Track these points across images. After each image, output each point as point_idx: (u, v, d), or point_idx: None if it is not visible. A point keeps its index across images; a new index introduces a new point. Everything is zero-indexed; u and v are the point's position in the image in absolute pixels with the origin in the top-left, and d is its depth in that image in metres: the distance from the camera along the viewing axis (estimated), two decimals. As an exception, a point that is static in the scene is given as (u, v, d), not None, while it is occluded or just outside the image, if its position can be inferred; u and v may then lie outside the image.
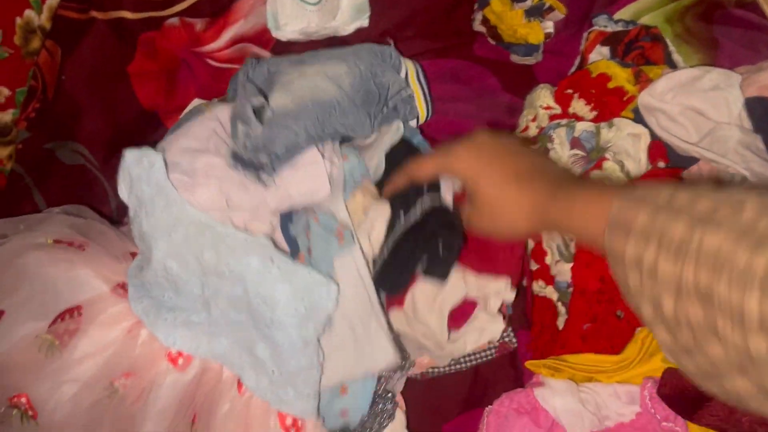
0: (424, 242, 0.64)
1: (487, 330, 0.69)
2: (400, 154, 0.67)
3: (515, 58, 0.88)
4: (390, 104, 0.70)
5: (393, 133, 0.68)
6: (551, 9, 0.85)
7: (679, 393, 0.64)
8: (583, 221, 0.50)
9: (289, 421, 0.57)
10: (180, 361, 0.59)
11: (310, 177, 0.61)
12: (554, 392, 0.69)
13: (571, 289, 0.67)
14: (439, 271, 0.65)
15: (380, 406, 0.66)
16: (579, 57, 0.88)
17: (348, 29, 0.85)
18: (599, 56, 0.85)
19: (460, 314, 0.67)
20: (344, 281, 0.58)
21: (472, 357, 0.75)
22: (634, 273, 0.44)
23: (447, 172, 0.60)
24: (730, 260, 0.39)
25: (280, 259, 0.56)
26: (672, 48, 0.84)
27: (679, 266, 0.41)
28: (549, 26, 0.86)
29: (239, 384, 0.60)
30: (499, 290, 0.68)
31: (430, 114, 0.78)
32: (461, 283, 0.66)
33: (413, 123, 0.75)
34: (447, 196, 0.66)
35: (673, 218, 0.42)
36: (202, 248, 0.56)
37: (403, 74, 0.76)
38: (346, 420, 0.61)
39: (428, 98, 0.77)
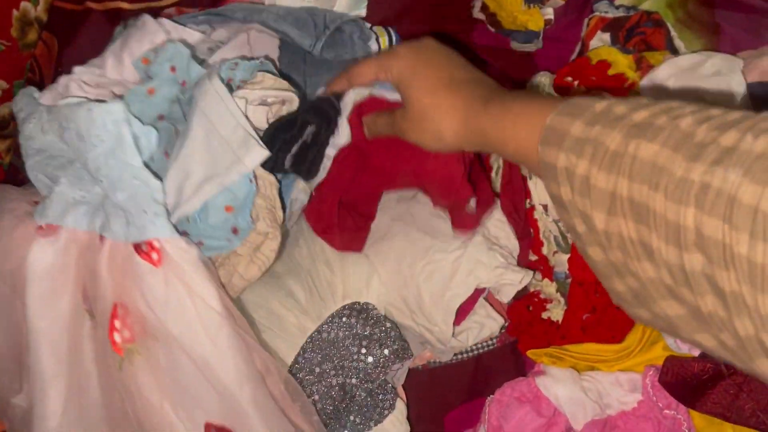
0: (296, 130, 0.61)
1: (486, 325, 0.69)
2: None
3: (515, 45, 0.87)
4: (331, 27, 0.71)
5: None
6: (551, -5, 0.84)
7: (680, 381, 0.64)
8: (514, 132, 0.46)
9: (145, 248, 0.56)
10: (45, 229, 0.60)
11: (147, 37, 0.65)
12: (556, 381, 0.69)
13: (569, 280, 0.67)
14: (305, 168, 0.62)
15: (380, 396, 0.66)
16: (580, 43, 0.87)
17: (346, 18, 0.84)
18: (600, 42, 0.84)
19: (462, 310, 0.67)
20: (203, 103, 0.58)
21: (474, 347, 0.75)
22: (566, 187, 0.42)
23: (384, 73, 0.57)
24: (667, 171, 0.36)
25: (70, 109, 0.57)
26: (674, 33, 0.83)
27: (612, 178, 0.38)
28: (549, 12, 0.85)
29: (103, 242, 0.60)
30: (514, 280, 0.66)
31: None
32: (472, 278, 0.65)
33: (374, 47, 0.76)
34: (347, 99, 0.63)
35: (608, 128, 0.39)
36: (47, 127, 0.60)
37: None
38: (238, 236, 0.60)
39: (393, 35, 0.77)
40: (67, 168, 0.61)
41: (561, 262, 0.67)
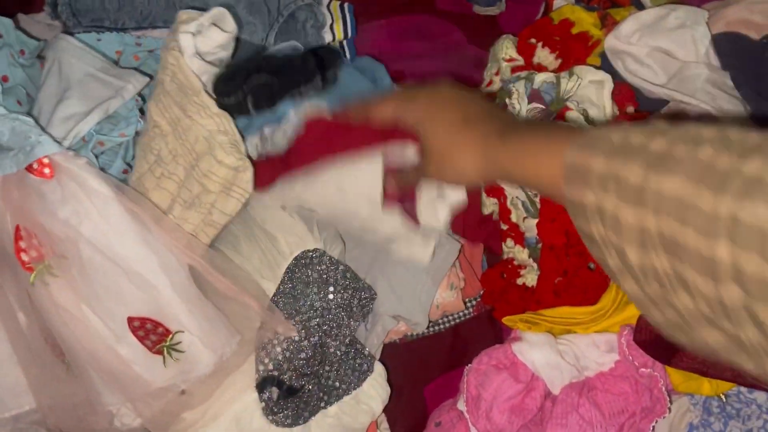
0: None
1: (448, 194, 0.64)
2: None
3: (478, 9, 0.85)
4: (284, 13, 0.73)
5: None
6: (512, -45, 0.83)
7: (654, 338, 0.64)
8: (536, 169, 0.47)
9: (36, 167, 0.57)
10: None
11: None
12: (532, 346, 0.69)
13: (540, 245, 0.66)
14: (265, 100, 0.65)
15: (357, 361, 0.65)
16: (544, 4, 0.85)
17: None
18: (564, 2, 0.83)
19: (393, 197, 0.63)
20: (73, 59, 0.66)
21: (450, 318, 0.74)
22: (597, 223, 0.42)
23: (402, 115, 0.58)
24: (693, 205, 0.36)
25: None
26: (639, -12, 0.82)
27: (640, 215, 0.38)
28: (510, -27, 0.83)
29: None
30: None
31: (350, 34, 0.79)
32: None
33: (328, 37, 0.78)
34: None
35: (628, 161, 0.39)
36: None
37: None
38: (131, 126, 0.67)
39: (349, 20, 0.79)
40: None
41: (531, 227, 0.67)
